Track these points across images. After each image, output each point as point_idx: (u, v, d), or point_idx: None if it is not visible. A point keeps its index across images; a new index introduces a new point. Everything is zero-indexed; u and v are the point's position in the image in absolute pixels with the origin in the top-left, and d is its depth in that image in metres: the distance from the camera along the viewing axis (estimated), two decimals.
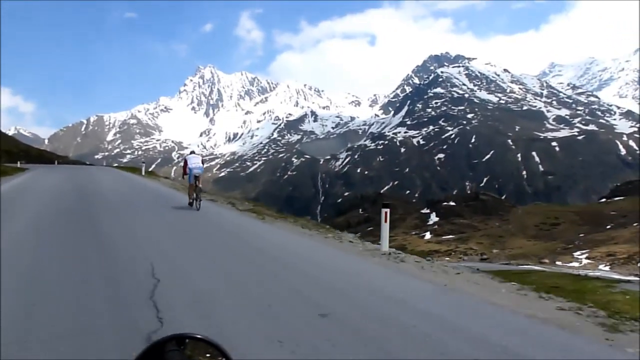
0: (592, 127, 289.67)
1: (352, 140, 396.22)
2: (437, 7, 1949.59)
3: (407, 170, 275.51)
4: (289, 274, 7.94)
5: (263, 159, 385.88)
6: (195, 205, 16.00)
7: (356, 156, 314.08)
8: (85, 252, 8.60)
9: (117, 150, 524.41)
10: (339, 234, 14.72)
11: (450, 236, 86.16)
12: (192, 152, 17.45)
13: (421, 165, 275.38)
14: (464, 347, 4.88)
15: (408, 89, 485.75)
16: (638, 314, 6.65)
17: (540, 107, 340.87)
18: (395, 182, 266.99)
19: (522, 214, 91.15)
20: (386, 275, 8.60)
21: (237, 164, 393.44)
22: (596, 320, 6.16)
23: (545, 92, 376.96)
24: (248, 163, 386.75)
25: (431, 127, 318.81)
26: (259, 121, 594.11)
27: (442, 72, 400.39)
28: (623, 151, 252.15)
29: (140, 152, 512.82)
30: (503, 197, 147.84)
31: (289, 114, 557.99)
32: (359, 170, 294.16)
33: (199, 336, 1.52)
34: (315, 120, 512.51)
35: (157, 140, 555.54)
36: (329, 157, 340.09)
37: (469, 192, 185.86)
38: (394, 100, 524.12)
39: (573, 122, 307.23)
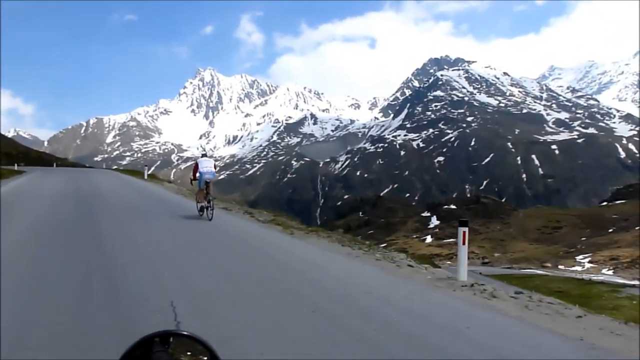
0: (591, 130, 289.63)
1: (351, 143, 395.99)
2: (438, 9, 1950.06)
3: (407, 173, 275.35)
4: (356, 319, 5.92)
5: (263, 161, 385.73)
6: (206, 215, 14.30)
7: (356, 159, 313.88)
8: (86, 281, 6.99)
9: (117, 152, 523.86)
10: (388, 253, 12.20)
11: (452, 239, 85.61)
12: (204, 155, 15.56)
13: (421, 168, 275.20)
14: None
15: (408, 92, 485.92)
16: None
17: (540, 111, 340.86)
18: (395, 185, 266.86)
19: (523, 217, 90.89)
20: (487, 321, 6.32)
21: (236, 167, 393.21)
22: None
23: (545, 96, 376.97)
24: (247, 166, 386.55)
25: (431, 130, 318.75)
26: (258, 124, 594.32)
27: (442, 75, 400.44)
28: (623, 154, 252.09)
29: (139, 155, 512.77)
30: (503, 200, 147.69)
31: (289, 117, 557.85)
32: (358, 173, 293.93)
33: (185, 333, 1.50)
34: (315, 123, 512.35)
35: (157, 142, 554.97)
36: (328, 159, 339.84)
37: (468, 195, 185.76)
38: (393, 103, 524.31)
39: (573, 125, 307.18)
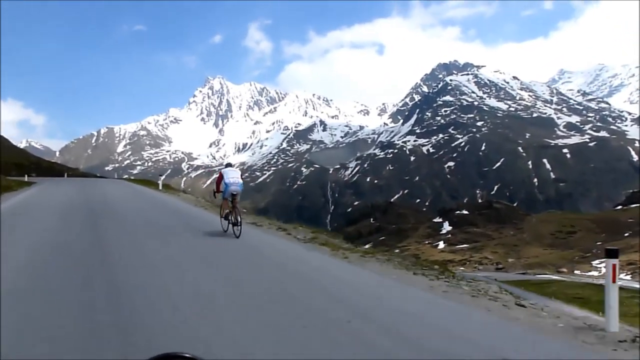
0: (603, 133, 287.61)
1: (361, 150, 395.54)
2: (446, 15, 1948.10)
3: (417, 178, 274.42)
4: None
5: (272, 168, 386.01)
6: (232, 231, 12.63)
7: (365, 165, 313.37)
8: (95, 333, 5.44)
9: (128, 161, 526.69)
10: (475, 284, 9.45)
11: (464, 245, 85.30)
12: (229, 165, 14.07)
13: (431, 173, 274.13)
14: None
15: (417, 98, 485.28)
16: None
17: (550, 114, 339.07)
18: (405, 191, 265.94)
19: (537, 222, 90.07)
20: None
21: (246, 174, 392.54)
22: None
23: (555, 99, 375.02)
24: (257, 173, 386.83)
25: (441, 135, 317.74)
26: (268, 131, 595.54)
27: (451, 80, 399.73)
28: (635, 157, 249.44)
29: (150, 164, 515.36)
30: (514, 205, 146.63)
31: (298, 124, 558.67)
32: (368, 179, 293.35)
33: (188, 355, 1.47)
34: (324, 130, 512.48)
35: (167, 151, 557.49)
36: (338, 166, 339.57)
37: (479, 200, 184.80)
38: (402, 108, 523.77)
39: (584, 128, 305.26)
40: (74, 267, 8.31)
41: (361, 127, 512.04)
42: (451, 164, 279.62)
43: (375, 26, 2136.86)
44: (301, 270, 9.29)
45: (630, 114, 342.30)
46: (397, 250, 73.74)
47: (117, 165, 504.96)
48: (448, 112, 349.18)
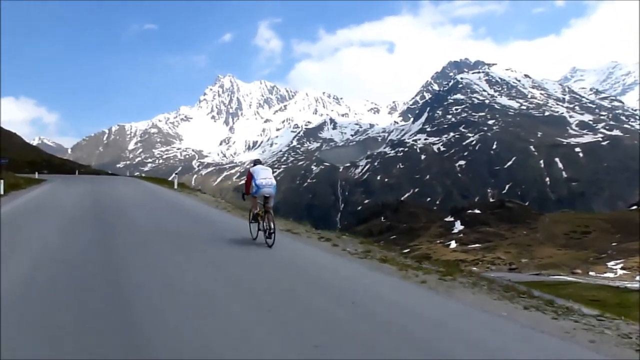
0: (616, 132, 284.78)
1: (371, 148, 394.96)
2: (456, 13, 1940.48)
3: (428, 177, 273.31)
4: None
5: (282, 166, 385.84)
6: (264, 240, 10.83)
7: (376, 163, 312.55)
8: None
9: (139, 159, 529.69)
10: (607, 323, 6.45)
11: (477, 245, 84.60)
12: (257, 162, 12.03)
13: (442, 172, 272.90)
14: None
15: (427, 96, 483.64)
16: None
17: (562, 113, 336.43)
18: (416, 190, 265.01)
19: (550, 222, 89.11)
20: None
21: None
22: None
23: (567, 98, 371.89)
24: None
25: (451, 134, 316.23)
26: (278, 129, 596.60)
27: (461, 78, 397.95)
28: None
29: (161, 161, 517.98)
30: (526, 204, 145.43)
31: (308, 122, 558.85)
32: (378, 178, 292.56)
33: None
34: (334, 128, 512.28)
35: (178, 149, 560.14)
36: (348, 164, 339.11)
37: (491, 199, 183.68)
38: (413, 107, 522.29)
39: (596, 127, 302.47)
40: (80, 292, 6.61)
41: (371, 126, 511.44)
42: (462, 162, 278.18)
43: (385, 24, 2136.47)
44: (377, 310, 6.27)
45: None
46: (407, 250, 73.33)
47: (128, 162, 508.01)
48: (459, 110, 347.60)
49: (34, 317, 5.56)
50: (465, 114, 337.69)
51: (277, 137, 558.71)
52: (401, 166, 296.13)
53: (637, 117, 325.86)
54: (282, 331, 5.39)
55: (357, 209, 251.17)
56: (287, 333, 5.32)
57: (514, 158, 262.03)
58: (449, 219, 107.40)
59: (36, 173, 45.69)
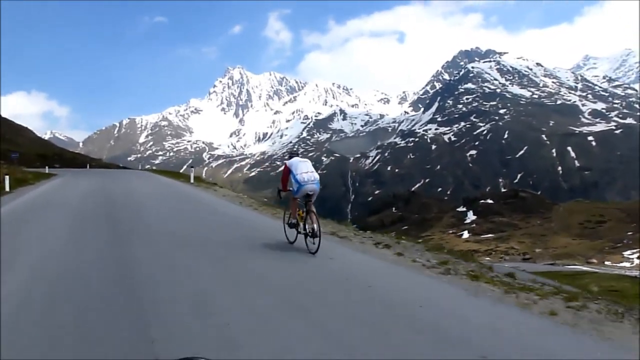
0: (630, 120, 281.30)
1: (381, 138, 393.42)
2: (467, 2, 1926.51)
3: (439, 167, 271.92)
4: None
5: None
6: (305, 244, 9.14)
7: (386, 154, 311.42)
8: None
9: (149, 152, 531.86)
10: None
11: (490, 235, 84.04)
12: (294, 154, 10.20)
13: (453, 162, 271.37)
14: None
15: (438, 85, 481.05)
16: None
17: (575, 101, 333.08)
18: (427, 180, 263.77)
19: (564, 211, 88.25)
20: None
21: (267, 164, 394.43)
22: None
23: (580, 86, 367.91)
24: (278, 163, 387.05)
25: (462, 124, 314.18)
26: (288, 121, 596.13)
27: (472, 67, 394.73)
28: None
29: (171, 154, 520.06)
30: (538, 194, 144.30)
31: (318, 113, 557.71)
32: (389, 168, 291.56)
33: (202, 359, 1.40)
34: (344, 119, 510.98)
35: (188, 141, 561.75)
36: (358, 155, 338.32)
37: (502, 189, 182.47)
38: (423, 97, 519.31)
39: (610, 115, 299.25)
40: (89, 328, 5.11)
41: (381, 116, 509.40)
42: (473, 152, 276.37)
43: (396, 14, 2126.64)
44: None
45: None
46: (420, 241, 73.03)
47: (139, 155, 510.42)
48: (470, 99, 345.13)
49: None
50: (476, 104, 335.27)
51: (287, 128, 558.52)
52: (412, 156, 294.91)
53: None
54: None
55: (367, 200, 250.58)
56: None
57: (525, 147, 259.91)
58: (461, 209, 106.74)
59: (46, 167, 45.16)
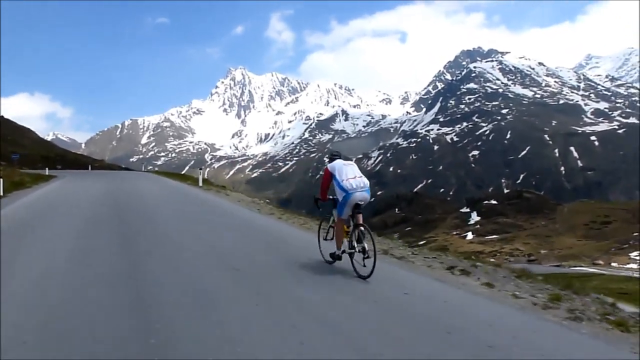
0: (632, 120, 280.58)
1: (383, 139, 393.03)
2: (469, 2, 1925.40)
3: (441, 168, 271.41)
4: None
5: (295, 159, 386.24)
6: (352, 265, 7.30)
7: (388, 155, 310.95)
8: None
9: (152, 152, 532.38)
10: None
11: (494, 236, 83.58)
12: (336, 155, 8.35)
13: (455, 162, 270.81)
14: None
15: (440, 86, 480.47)
16: None
17: (577, 101, 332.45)
18: (429, 180, 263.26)
19: (569, 212, 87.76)
20: None
21: (269, 165, 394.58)
22: None
23: (582, 85, 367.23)
24: (280, 163, 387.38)
25: (465, 124, 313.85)
26: (290, 121, 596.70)
27: (474, 67, 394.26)
28: None
29: (174, 155, 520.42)
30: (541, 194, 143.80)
31: (320, 114, 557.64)
32: (391, 169, 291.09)
33: None
34: (346, 120, 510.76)
35: (190, 142, 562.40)
36: (360, 156, 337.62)
37: (505, 189, 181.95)
38: (425, 97, 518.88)
39: (612, 115, 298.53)
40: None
41: (383, 117, 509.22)
42: (476, 152, 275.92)
43: (398, 14, 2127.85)
44: None
45: None
46: (423, 242, 72.59)
47: (141, 156, 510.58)
48: (472, 99, 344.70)
49: None
50: (479, 104, 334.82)
51: (289, 129, 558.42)
52: (414, 157, 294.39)
53: None
54: None
55: (370, 201, 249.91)
56: None
57: (528, 147, 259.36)
58: (465, 210, 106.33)
59: (46, 169, 44.42)
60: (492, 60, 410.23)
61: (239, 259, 8.16)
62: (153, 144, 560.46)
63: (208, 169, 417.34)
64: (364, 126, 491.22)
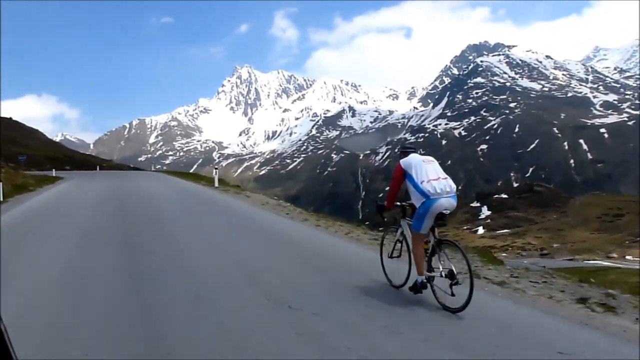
0: None
1: (391, 134, 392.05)
2: None
3: (449, 162, 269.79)
4: None
5: (302, 156, 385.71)
6: (432, 292, 5.72)
7: (396, 150, 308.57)
8: None
9: (160, 152, 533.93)
10: None
11: (505, 230, 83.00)
12: (409, 149, 6.49)
13: (463, 157, 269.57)
14: None
15: (447, 80, 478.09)
16: None
17: (586, 93, 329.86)
18: None
19: (580, 205, 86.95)
20: None
21: (276, 162, 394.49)
22: None
23: (590, 78, 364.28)
24: (288, 160, 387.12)
25: (472, 118, 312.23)
26: (297, 118, 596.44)
27: (481, 61, 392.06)
28: None
29: (181, 154, 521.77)
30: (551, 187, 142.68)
31: (327, 110, 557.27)
32: None
33: None
34: (353, 116, 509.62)
35: (198, 141, 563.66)
36: (368, 152, 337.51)
37: (515, 183, 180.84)
38: (432, 92, 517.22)
39: (622, 107, 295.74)
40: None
41: (390, 112, 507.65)
42: (484, 146, 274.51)
43: (403, 9, 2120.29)
44: None
45: None
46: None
47: (149, 156, 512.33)
48: (479, 94, 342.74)
49: None
50: (486, 98, 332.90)
51: (296, 126, 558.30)
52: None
53: None
54: None
55: (378, 196, 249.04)
56: None
57: (537, 141, 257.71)
58: (475, 204, 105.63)
59: (53, 170, 43.37)
60: (499, 54, 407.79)
61: (287, 289, 6.16)
62: (161, 143, 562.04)
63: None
64: (371, 122, 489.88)
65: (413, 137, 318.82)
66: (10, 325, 4.35)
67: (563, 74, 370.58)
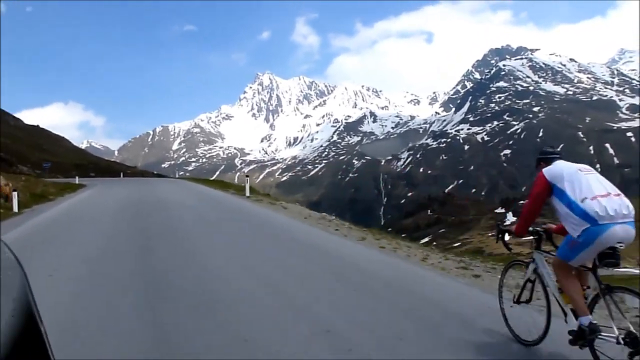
0: None
1: (412, 140, 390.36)
2: (495, 0, 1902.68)
3: (472, 168, 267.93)
4: None
5: (324, 161, 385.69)
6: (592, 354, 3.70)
7: (418, 155, 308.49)
8: None
9: (183, 158, 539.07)
10: None
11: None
12: (554, 155, 4.72)
13: (486, 162, 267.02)
14: None
15: (469, 85, 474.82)
16: None
17: (611, 97, 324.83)
18: (460, 181, 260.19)
19: None
20: None
21: (298, 168, 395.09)
22: None
23: (616, 81, 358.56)
24: (309, 166, 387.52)
25: (495, 123, 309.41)
26: (318, 124, 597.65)
27: (504, 65, 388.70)
28: None
29: (204, 160, 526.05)
30: None
31: (348, 116, 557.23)
32: (421, 170, 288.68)
33: None
34: (374, 121, 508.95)
35: (220, 147, 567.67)
36: (390, 157, 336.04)
37: None
38: (454, 97, 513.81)
39: None
40: None
41: (412, 117, 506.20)
42: (507, 151, 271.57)
43: (423, 14, 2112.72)
44: None
45: None
46: (457, 245, 71.36)
47: (172, 162, 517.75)
48: (502, 98, 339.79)
49: None
50: (509, 102, 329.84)
51: (317, 132, 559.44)
52: (444, 157, 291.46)
53: None
54: None
55: (400, 202, 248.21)
56: None
57: (562, 145, 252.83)
58: (500, 210, 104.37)
59: (76, 177, 42.48)
60: (522, 58, 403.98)
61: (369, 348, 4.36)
62: (184, 149, 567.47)
63: (238, 174, 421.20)
64: (392, 127, 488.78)
65: (435, 143, 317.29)
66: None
67: (588, 77, 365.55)
